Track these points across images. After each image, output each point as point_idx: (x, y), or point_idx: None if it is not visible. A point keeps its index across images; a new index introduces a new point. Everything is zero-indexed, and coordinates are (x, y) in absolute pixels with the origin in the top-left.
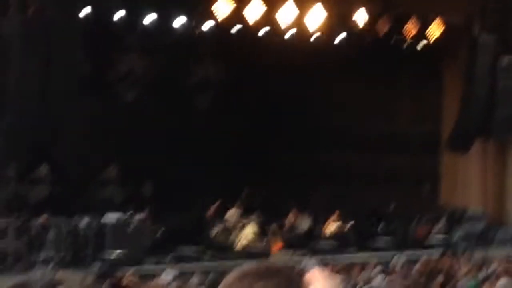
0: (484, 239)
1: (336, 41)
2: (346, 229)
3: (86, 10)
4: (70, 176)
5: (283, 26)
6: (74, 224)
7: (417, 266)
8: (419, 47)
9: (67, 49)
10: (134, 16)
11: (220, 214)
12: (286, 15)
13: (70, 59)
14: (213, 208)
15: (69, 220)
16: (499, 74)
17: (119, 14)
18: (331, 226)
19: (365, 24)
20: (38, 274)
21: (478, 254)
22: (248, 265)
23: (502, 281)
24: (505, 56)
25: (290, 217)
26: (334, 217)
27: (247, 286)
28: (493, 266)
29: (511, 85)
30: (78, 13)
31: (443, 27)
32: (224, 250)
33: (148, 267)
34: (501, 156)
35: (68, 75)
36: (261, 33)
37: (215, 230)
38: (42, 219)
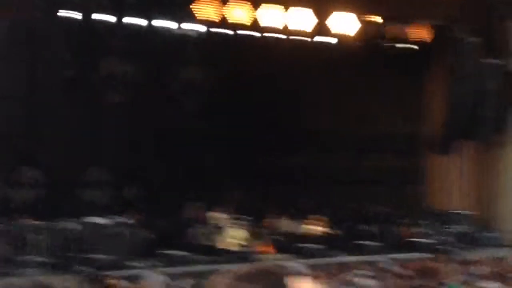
0: (469, 241)
1: (319, 43)
2: (332, 232)
3: (70, 13)
4: (55, 179)
5: (270, 29)
6: (59, 227)
7: (403, 268)
8: (402, 49)
9: (51, 51)
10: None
11: (207, 216)
12: (273, 18)
13: (54, 61)
14: (193, 209)
15: (54, 223)
16: (481, 76)
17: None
18: (315, 229)
19: (349, 27)
20: (23, 277)
21: (463, 256)
22: (239, 267)
23: (487, 284)
24: (489, 58)
25: (276, 220)
26: (316, 219)
27: None
28: (478, 268)
29: (493, 87)
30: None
31: (427, 29)
32: (211, 253)
33: (134, 271)
34: (485, 157)
35: (52, 77)
36: (249, 35)
37: (202, 233)
38: (26, 222)
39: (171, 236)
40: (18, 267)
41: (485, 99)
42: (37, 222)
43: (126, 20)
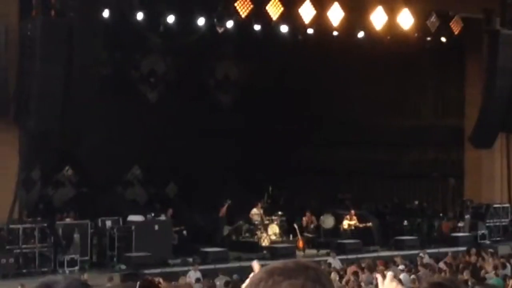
0: (509, 233)
1: (357, 39)
2: (371, 227)
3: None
4: (95, 178)
5: (301, 24)
6: (99, 225)
7: (442, 262)
8: (440, 42)
9: (89, 51)
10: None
11: (244, 214)
12: (305, 13)
13: (92, 61)
14: (223, 209)
15: (94, 221)
16: None
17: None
18: (354, 224)
19: (386, 21)
20: (63, 275)
21: (504, 249)
22: (276, 263)
23: None
24: None
25: (311, 216)
26: (355, 214)
27: (275, 284)
28: None
29: None
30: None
31: (464, 23)
32: (248, 250)
33: (172, 268)
34: None
35: (90, 78)
36: (281, 31)
37: (239, 230)
38: (67, 221)
39: (208, 233)
40: (59, 265)
41: None
42: (77, 221)
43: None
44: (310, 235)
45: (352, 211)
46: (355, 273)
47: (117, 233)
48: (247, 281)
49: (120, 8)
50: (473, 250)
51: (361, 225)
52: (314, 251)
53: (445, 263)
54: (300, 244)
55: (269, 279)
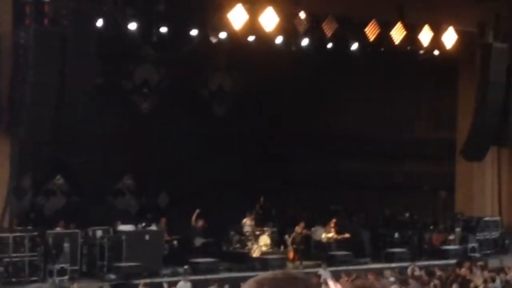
0: (499, 247)
1: (350, 50)
2: (361, 238)
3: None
4: (86, 187)
5: (294, 35)
6: (89, 235)
7: (432, 274)
8: (433, 55)
9: (82, 60)
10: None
11: (235, 225)
12: (299, 25)
13: (85, 70)
14: (194, 216)
15: (85, 231)
16: None
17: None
18: (344, 235)
19: (379, 33)
20: (51, 284)
21: (494, 263)
22: (265, 274)
23: None
24: None
25: (303, 227)
26: (329, 227)
27: None
28: (509, 275)
29: None
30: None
31: (457, 36)
32: (239, 260)
33: (162, 279)
34: None
35: (83, 87)
36: (274, 42)
37: (230, 241)
38: (57, 230)
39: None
40: (49, 274)
41: None
42: (67, 230)
43: None
44: (300, 246)
45: (332, 222)
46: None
47: (107, 243)
48: None
49: (114, 18)
50: (467, 264)
51: (339, 237)
52: (304, 263)
53: (435, 275)
54: (291, 255)
55: None
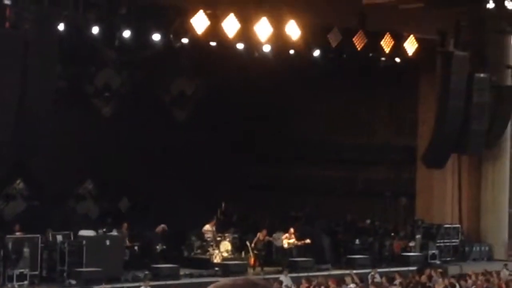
0: (459, 254)
1: (312, 56)
2: (322, 245)
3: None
4: (46, 191)
5: (258, 41)
6: (49, 240)
7: (393, 281)
8: (394, 62)
9: (43, 63)
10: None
11: (196, 230)
12: (261, 31)
13: (47, 73)
14: (159, 228)
15: (45, 236)
16: (473, 89)
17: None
18: (304, 242)
19: (341, 41)
20: None
21: (454, 269)
22: (226, 280)
23: None
24: (479, 73)
25: (265, 234)
26: (290, 233)
27: None
28: (469, 282)
29: (485, 100)
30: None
31: (418, 43)
32: (200, 266)
33: (123, 284)
34: (476, 171)
35: (45, 90)
36: (236, 48)
37: (191, 246)
38: (17, 235)
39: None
40: (8, 279)
41: (476, 113)
42: (27, 235)
43: None
44: (261, 253)
45: (291, 230)
46: None
47: (68, 248)
48: None
49: (76, 21)
50: (427, 271)
51: (299, 243)
52: (265, 269)
53: (395, 281)
54: (252, 261)
55: None
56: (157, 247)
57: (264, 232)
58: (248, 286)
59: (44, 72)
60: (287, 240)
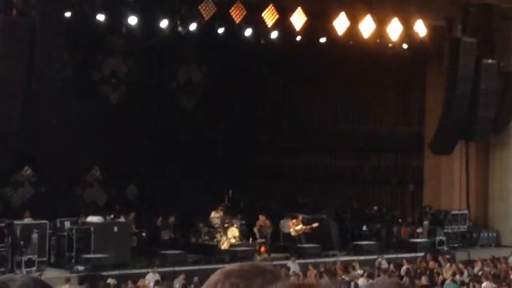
0: (467, 240)
1: (319, 43)
2: (330, 231)
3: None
4: (54, 178)
5: (265, 27)
6: (57, 226)
7: (401, 267)
8: (402, 49)
9: (50, 51)
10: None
11: (205, 217)
12: (268, 17)
13: (54, 61)
14: (160, 218)
15: (53, 222)
16: (481, 76)
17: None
18: (296, 229)
19: (349, 27)
20: (21, 274)
21: (461, 255)
22: (233, 265)
23: (485, 284)
24: (487, 59)
25: (265, 220)
26: (297, 219)
27: (232, 286)
28: (476, 268)
29: (492, 87)
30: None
31: (426, 30)
32: (207, 252)
33: (131, 270)
34: (484, 157)
35: (51, 78)
36: (244, 35)
37: (198, 233)
38: (25, 221)
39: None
40: (16, 265)
41: (484, 100)
42: (35, 222)
43: None
44: (267, 239)
45: (300, 216)
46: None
47: (75, 234)
48: (204, 284)
49: (82, 9)
50: (429, 256)
51: (307, 227)
52: (274, 255)
53: (403, 267)
54: (259, 247)
55: (226, 281)
56: (164, 235)
57: (263, 218)
58: (255, 271)
59: (51, 59)
60: (295, 226)
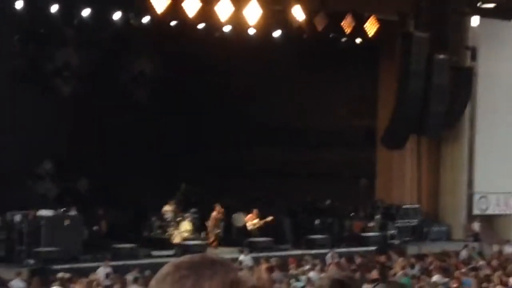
0: (418, 234)
1: (273, 37)
2: (282, 225)
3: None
4: (4, 171)
5: (219, 21)
6: (7, 220)
7: (352, 261)
8: (355, 43)
9: (2, 42)
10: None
11: (157, 210)
12: (222, 11)
13: (5, 52)
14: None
15: (3, 216)
16: (433, 70)
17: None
18: (264, 222)
19: (302, 21)
20: None
21: (413, 249)
22: (183, 257)
23: (435, 277)
24: (439, 54)
25: (218, 210)
26: (253, 214)
27: (182, 278)
28: (427, 261)
29: (444, 82)
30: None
31: (379, 24)
32: (160, 246)
33: (82, 264)
34: (435, 152)
35: (3, 69)
36: (198, 28)
37: (150, 226)
38: None
39: (121, 229)
40: None
41: (436, 95)
42: None
43: None
44: (220, 233)
45: (255, 211)
46: (269, 270)
47: (26, 228)
48: (155, 276)
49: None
50: (383, 250)
51: (262, 222)
52: (227, 249)
53: (354, 261)
54: (211, 241)
55: (176, 273)
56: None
57: (218, 208)
58: (206, 263)
59: (3, 50)
60: (251, 221)
